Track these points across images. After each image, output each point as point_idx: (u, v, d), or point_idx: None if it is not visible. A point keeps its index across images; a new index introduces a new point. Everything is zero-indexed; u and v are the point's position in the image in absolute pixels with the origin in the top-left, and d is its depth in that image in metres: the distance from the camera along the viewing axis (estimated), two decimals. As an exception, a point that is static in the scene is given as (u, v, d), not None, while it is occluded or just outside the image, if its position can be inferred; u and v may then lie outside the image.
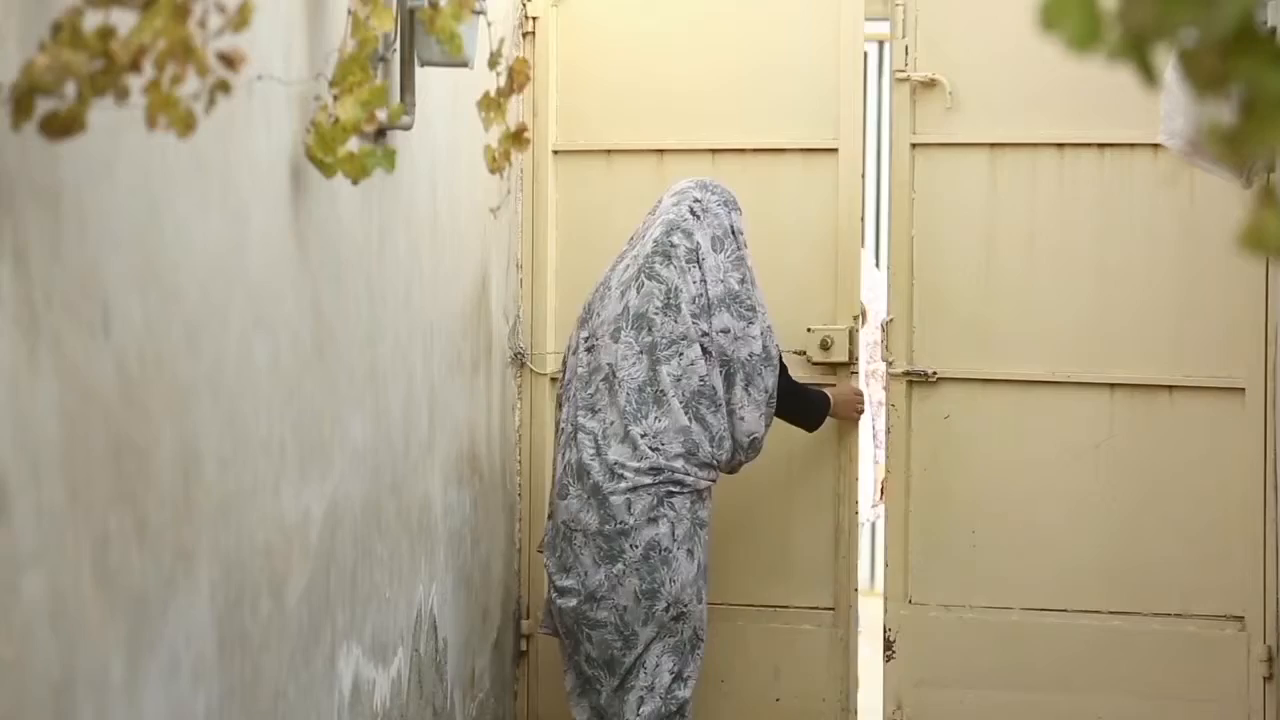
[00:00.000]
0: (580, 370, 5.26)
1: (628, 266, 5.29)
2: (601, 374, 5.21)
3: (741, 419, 5.24)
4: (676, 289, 5.21)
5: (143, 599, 2.66)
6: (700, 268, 5.23)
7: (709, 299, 5.22)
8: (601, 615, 5.18)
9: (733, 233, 5.30)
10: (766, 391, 5.26)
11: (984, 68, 5.50)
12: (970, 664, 5.53)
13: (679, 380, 5.18)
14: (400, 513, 4.41)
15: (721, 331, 5.22)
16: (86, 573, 2.46)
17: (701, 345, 5.20)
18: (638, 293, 5.22)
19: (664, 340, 5.19)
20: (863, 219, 6.21)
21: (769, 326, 5.30)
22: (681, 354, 5.19)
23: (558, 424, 5.37)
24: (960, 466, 5.54)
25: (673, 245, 5.24)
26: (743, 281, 5.26)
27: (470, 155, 5.28)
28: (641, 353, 5.20)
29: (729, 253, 5.27)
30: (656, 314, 5.20)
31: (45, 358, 2.33)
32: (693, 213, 5.28)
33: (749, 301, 5.24)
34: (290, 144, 3.36)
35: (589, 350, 5.27)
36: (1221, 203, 5.21)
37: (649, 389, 5.18)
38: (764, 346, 5.25)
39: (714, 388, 5.19)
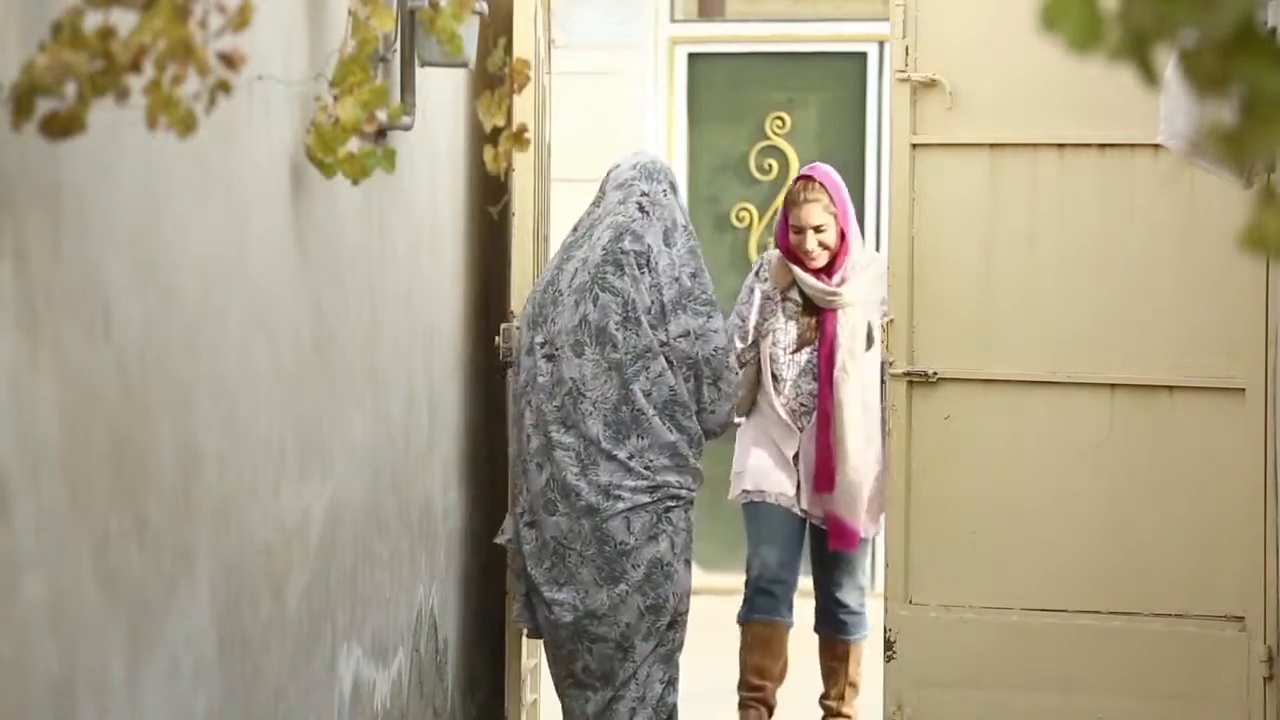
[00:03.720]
0: (541, 380, 5.13)
1: (577, 271, 5.16)
2: (565, 388, 5.10)
3: (713, 413, 5.24)
4: (632, 301, 5.12)
5: (143, 599, 2.66)
6: (652, 272, 5.16)
7: (664, 304, 5.15)
8: (603, 631, 5.13)
9: (683, 222, 5.28)
10: (733, 371, 5.33)
11: (984, 68, 5.50)
12: (970, 664, 5.53)
13: (650, 395, 5.12)
14: (400, 513, 4.41)
15: (682, 336, 5.15)
16: (86, 573, 2.46)
17: (665, 356, 5.16)
18: (594, 305, 5.11)
19: (629, 356, 5.11)
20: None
21: (722, 312, 5.34)
22: (648, 367, 5.13)
23: (519, 421, 5.21)
24: (960, 467, 5.54)
25: (623, 252, 5.15)
26: (695, 275, 5.21)
27: (470, 155, 5.28)
28: (610, 369, 5.10)
29: (680, 246, 5.22)
30: (617, 329, 5.11)
31: (45, 358, 2.33)
32: (641, 209, 5.21)
33: (704, 295, 5.21)
34: (290, 144, 3.36)
35: (549, 359, 5.14)
36: (1222, 203, 5.20)
37: (625, 409, 5.10)
38: (725, 336, 5.28)
39: (683, 395, 5.16)
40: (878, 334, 5.84)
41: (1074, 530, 5.47)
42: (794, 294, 5.93)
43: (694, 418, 5.17)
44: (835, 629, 6.07)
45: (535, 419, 5.15)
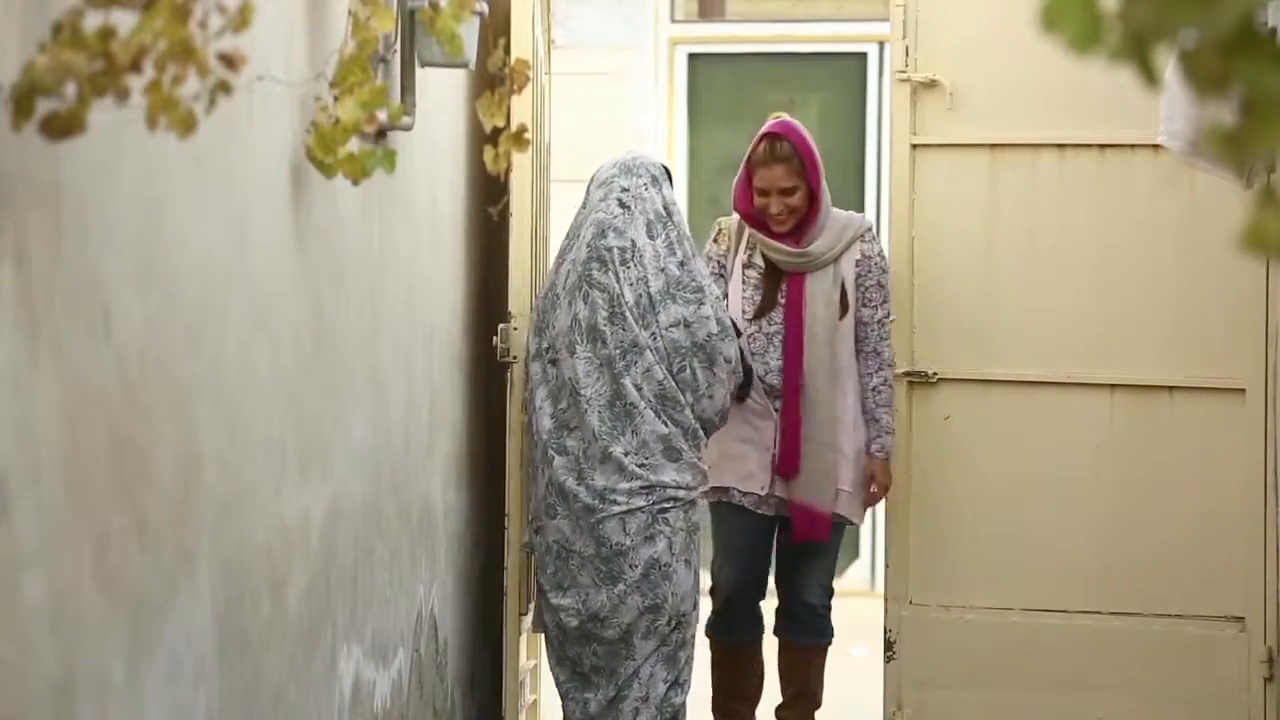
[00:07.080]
0: (550, 385, 5.18)
1: (569, 273, 5.18)
2: (567, 389, 5.13)
3: (710, 398, 5.19)
4: (619, 296, 5.11)
5: (143, 599, 2.66)
6: (638, 265, 5.14)
7: (651, 296, 5.13)
8: (605, 631, 5.16)
9: (666, 212, 5.20)
10: (729, 362, 5.18)
11: (984, 68, 5.51)
12: (970, 664, 5.53)
13: (641, 389, 5.12)
14: (401, 513, 4.41)
15: (673, 326, 5.12)
16: (86, 573, 2.46)
17: (653, 350, 5.14)
18: (585, 303, 5.12)
19: (618, 351, 5.10)
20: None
21: (717, 297, 5.20)
22: (636, 362, 5.12)
23: (527, 429, 5.24)
24: (961, 467, 5.54)
25: (607, 249, 5.15)
26: (682, 264, 5.16)
27: (470, 155, 5.28)
28: (601, 365, 5.11)
29: (664, 238, 5.18)
30: (605, 324, 5.11)
31: (46, 358, 2.33)
32: (622, 205, 5.19)
33: (694, 283, 5.15)
34: (290, 145, 3.36)
35: (552, 363, 5.17)
36: (1222, 203, 5.21)
37: (618, 404, 5.11)
38: (718, 321, 5.16)
39: (672, 389, 5.14)
40: (852, 297, 5.47)
41: (1074, 530, 5.47)
42: (756, 258, 5.48)
43: (687, 411, 5.15)
44: (795, 633, 5.61)
45: (537, 425, 5.18)
